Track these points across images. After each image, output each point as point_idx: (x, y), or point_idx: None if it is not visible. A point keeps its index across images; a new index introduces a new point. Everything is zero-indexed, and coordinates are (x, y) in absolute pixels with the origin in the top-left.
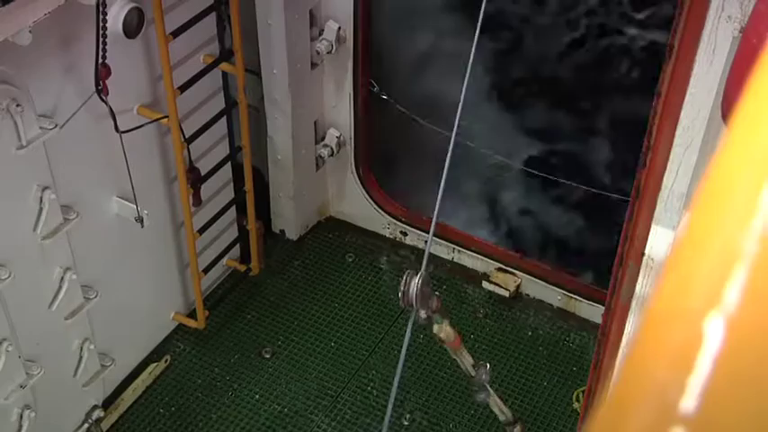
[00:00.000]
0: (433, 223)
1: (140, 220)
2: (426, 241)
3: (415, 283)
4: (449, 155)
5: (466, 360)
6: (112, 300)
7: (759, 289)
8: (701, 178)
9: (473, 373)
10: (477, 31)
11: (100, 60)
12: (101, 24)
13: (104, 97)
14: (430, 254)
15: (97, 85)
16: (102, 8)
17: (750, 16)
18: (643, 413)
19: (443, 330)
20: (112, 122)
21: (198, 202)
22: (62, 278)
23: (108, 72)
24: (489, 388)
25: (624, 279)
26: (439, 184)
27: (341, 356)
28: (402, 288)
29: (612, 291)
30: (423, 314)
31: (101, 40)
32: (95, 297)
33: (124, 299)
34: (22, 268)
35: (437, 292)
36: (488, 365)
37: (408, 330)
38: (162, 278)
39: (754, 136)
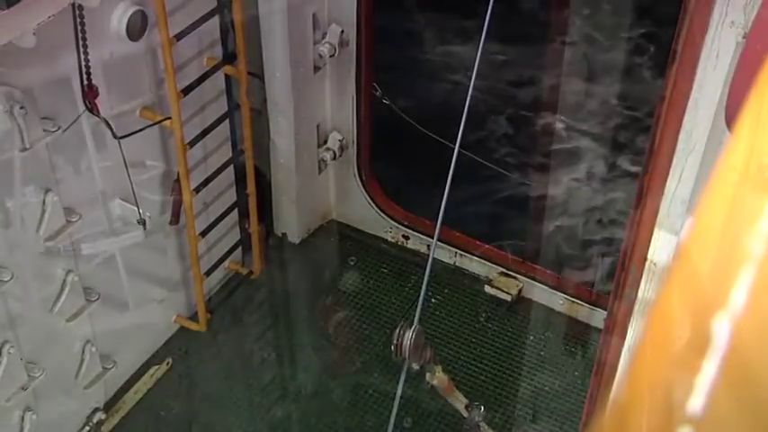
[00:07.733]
0: (437, 233)
1: (143, 222)
2: (429, 246)
3: (408, 336)
4: (453, 160)
5: (459, 403)
6: (114, 302)
7: (766, 289)
8: (708, 180)
9: (466, 415)
10: (482, 43)
11: (85, 82)
12: (81, 49)
13: (96, 113)
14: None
15: (86, 105)
16: (81, 35)
17: (753, 22)
18: (650, 413)
19: (436, 377)
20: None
21: (175, 221)
22: (64, 280)
23: (95, 93)
24: (482, 427)
25: (627, 284)
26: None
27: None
28: (395, 341)
29: (615, 296)
30: (415, 366)
31: (83, 62)
32: (97, 299)
33: (126, 301)
34: (25, 270)
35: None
36: (482, 407)
37: (401, 381)
38: (164, 281)
39: (763, 135)
